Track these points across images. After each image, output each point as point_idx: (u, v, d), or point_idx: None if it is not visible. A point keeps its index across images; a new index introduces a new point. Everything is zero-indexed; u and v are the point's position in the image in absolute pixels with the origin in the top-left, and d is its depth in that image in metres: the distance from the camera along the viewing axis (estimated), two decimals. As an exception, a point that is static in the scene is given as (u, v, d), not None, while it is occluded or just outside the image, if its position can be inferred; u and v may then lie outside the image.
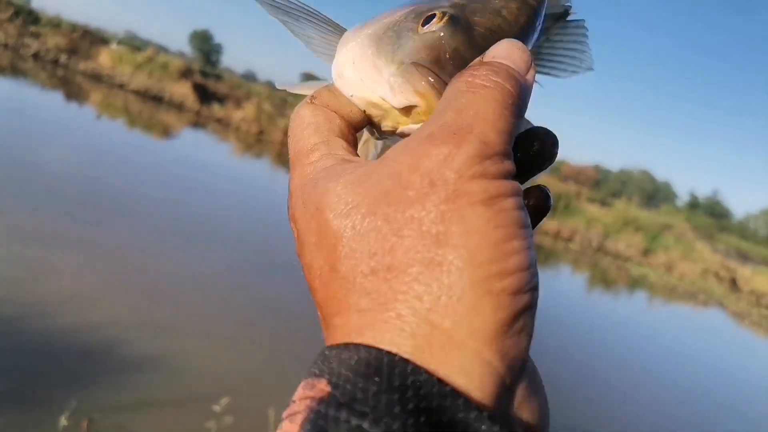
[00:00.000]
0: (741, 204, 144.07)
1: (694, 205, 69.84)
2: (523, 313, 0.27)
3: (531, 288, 0.28)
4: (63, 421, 2.81)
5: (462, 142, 0.29)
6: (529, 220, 0.30)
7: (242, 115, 24.52)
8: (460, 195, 0.28)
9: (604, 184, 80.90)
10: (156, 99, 24.38)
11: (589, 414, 6.11)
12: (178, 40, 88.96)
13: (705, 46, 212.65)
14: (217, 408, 2.99)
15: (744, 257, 37.42)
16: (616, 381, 7.68)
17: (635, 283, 18.29)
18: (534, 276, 0.28)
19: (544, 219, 0.36)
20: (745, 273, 25.34)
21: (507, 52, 0.35)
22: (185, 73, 25.83)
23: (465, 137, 0.29)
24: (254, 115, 24.26)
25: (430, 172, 0.28)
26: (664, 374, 8.86)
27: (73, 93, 18.75)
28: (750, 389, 9.72)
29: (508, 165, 0.30)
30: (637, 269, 21.38)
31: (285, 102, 39.90)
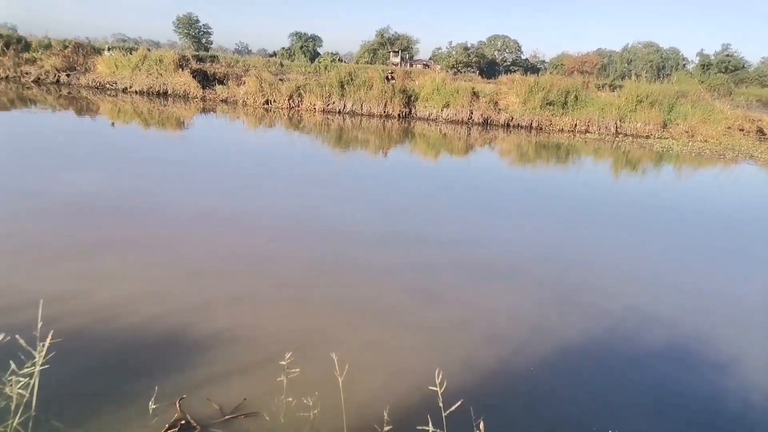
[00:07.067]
0: (755, 51, 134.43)
1: (705, 65, 67.04)
2: None
3: None
4: (151, 405, 3.22)
5: None
6: None
7: (245, 89, 24.70)
8: None
9: (610, 68, 78.03)
10: (161, 94, 24.65)
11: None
12: (165, 30, 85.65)
13: None
14: (283, 363, 3.17)
15: (767, 105, 36.57)
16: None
17: (661, 158, 18.28)
18: None
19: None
20: (770, 120, 25.09)
21: None
22: (181, 63, 25.80)
23: None
24: (256, 87, 24.42)
25: None
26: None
27: (83, 108, 19.10)
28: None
29: None
30: (659, 143, 21.42)
31: (282, 67, 39.40)
